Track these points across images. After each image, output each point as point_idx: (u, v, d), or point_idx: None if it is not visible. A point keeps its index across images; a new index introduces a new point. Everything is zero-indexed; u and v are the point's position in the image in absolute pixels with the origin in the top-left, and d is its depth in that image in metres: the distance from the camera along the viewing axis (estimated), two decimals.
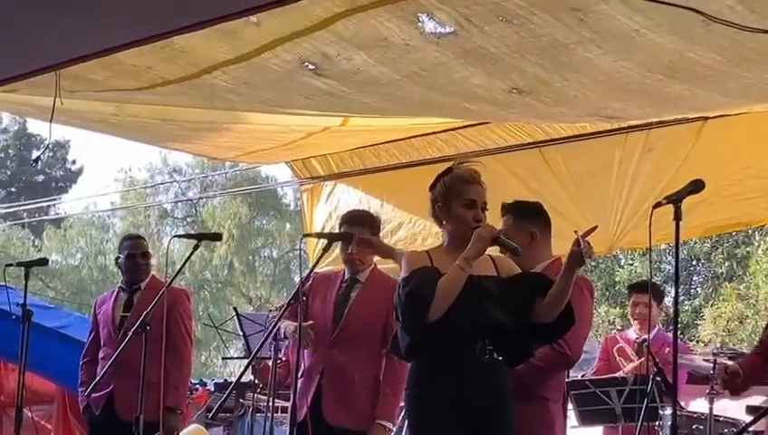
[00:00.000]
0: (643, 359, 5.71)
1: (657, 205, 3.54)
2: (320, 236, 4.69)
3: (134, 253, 5.43)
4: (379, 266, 4.81)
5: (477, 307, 3.51)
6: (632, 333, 6.47)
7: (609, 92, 4.75)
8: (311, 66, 4.46)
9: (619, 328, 16.40)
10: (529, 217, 4.06)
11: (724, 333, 17.01)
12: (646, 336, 5.86)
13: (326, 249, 4.44)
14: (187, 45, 4.38)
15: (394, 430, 4.62)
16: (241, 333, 6.89)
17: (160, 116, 6.00)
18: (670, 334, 5.54)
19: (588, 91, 4.71)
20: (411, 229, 7.06)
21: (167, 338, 4.96)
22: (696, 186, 3.56)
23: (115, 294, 5.47)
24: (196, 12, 3.71)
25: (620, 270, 17.90)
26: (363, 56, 4.39)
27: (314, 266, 4.43)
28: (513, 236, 3.83)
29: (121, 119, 5.98)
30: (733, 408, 5.77)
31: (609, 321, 17.30)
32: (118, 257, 5.51)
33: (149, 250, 5.52)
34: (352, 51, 4.36)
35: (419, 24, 4.17)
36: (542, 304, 3.52)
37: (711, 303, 17.66)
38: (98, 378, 5.07)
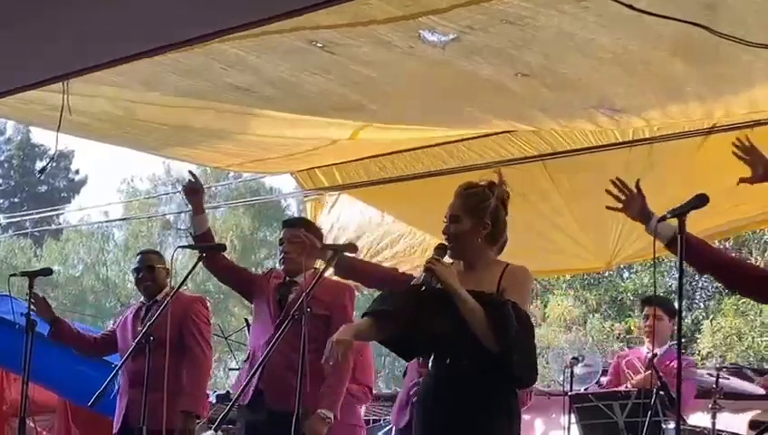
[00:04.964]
0: (648, 372, 5.63)
1: (662, 219, 3.55)
2: (325, 247, 4.65)
3: (137, 267, 5.56)
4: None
5: (436, 319, 3.50)
6: (644, 349, 6.27)
7: (613, 75, 4.75)
8: (318, 44, 4.52)
9: (624, 344, 16.35)
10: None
11: (723, 347, 17.01)
12: (657, 351, 5.77)
13: (329, 261, 4.39)
14: None
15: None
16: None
17: (167, 120, 6.01)
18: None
19: (593, 74, 4.72)
20: (410, 241, 7.08)
21: (184, 346, 5.15)
22: (700, 200, 3.55)
23: (136, 308, 5.55)
24: (202, 24, 3.74)
25: (624, 283, 17.85)
26: (369, 48, 4.48)
27: (317, 280, 4.38)
28: None
29: (128, 124, 5.99)
30: (735, 422, 5.76)
31: (613, 336, 17.23)
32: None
33: (159, 265, 5.54)
34: (358, 43, 4.45)
35: (420, 38, 4.23)
36: None
37: (711, 317, 17.64)
38: (116, 390, 5.24)
